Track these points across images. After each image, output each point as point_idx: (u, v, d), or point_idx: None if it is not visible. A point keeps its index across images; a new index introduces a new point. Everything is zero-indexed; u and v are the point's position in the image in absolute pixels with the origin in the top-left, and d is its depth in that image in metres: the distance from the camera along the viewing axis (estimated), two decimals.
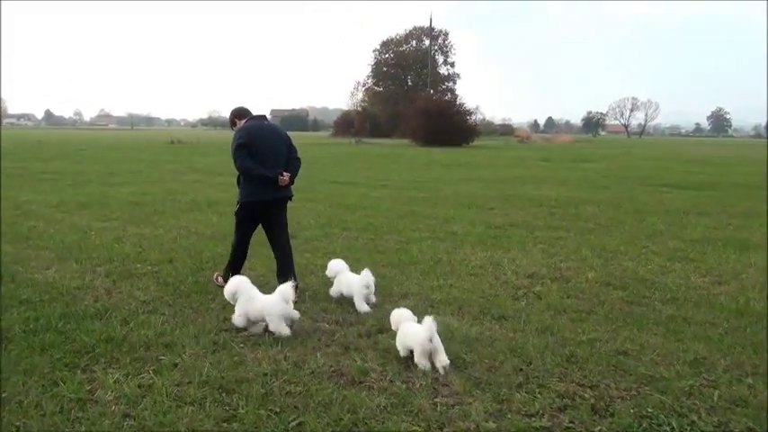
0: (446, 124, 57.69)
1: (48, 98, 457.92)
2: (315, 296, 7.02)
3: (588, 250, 9.73)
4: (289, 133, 7.51)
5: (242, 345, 5.49)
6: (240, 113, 7.30)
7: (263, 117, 7.34)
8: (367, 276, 6.56)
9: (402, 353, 5.20)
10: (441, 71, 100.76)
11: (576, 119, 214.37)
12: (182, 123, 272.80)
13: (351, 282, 6.67)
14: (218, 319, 6.15)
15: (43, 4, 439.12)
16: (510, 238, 10.72)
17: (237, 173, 7.11)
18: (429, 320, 4.95)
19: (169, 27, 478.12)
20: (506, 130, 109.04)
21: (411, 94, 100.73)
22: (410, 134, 62.43)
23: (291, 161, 7.23)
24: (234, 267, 7.22)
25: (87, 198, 15.04)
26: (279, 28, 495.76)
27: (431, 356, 4.97)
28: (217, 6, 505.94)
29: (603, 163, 35.14)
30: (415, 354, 5.04)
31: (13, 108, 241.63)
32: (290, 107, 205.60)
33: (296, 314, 5.81)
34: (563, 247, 10.02)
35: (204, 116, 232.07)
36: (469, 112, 61.42)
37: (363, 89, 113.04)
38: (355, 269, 6.94)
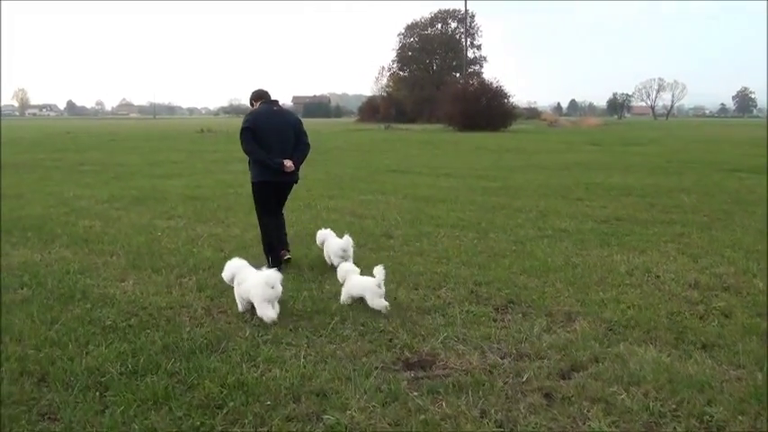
0: (484, 108, 56.01)
1: (70, 88, 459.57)
2: (469, 319, 5.68)
3: (729, 250, 8.38)
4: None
5: (415, 391, 4.18)
6: (258, 96, 7.54)
7: (275, 102, 7.51)
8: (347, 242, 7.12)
9: (347, 301, 5.96)
10: (468, 54, 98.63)
11: (599, 101, 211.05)
12: (203, 112, 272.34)
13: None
14: (364, 351, 4.85)
15: None
16: (629, 235, 9.41)
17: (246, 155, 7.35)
18: (380, 269, 5.79)
19: (189, 15, 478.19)
20: (532, 113, 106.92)
21: (437, 79, 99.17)
22: (446, 119, 60.74)
23: (299, 146, 7.39)
24: (269, 246, 7.38)
25: (139, 192, 13.84)
26: (297, 15, 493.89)
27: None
28: None
29: (653, 147, 33.58)
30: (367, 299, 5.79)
31: (35, 98, 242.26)
32: (311, 94, 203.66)
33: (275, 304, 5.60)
34: (697, 246, 8.69)
35: (225, 104, 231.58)
36: (506, 95, 59.59)
37: (388, 74, 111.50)
38: (487, 276, 6.62)
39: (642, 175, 17.93)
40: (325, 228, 7.72)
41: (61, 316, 5.68)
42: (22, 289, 6.58)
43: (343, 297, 6.04)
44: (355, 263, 7.30)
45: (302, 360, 4.65)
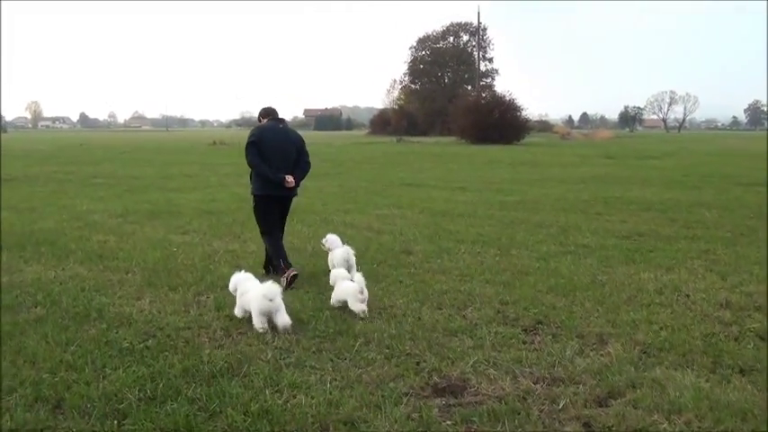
0: (497, 121, 55.84)
1: (83, 101, 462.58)
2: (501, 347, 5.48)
3: (757, 267, 8.15)
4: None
5: (448, 420, 3.99)
6: (266, 113, 7.82)
7: (282, 120, 7.84)
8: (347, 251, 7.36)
9: (336, 304, 6.30)
10: (480, 67, 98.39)
11: (611, 113, 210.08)
12: (215, 124, 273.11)
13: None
14: (391, 376, 4.66)
15: (75, 6, 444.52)
16: (653, 251, 9.19)
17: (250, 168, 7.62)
18: (359, 276, 6.20)
19: (201, 28, 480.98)
20: (543, 126, 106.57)
21: (449, 91, 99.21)
22: (458, 131, 60.62)
23: (300, 164, 7.67)
24: (275, 256, 7.52)
25: (153, 206, 13.72)
26: (307, 27, 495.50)
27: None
28: (246, 6, 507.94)
29: (668, 160, 33.29)
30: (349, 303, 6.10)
31: (48, 111, 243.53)
32: (322, 106, 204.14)
33: (284, 319, 5.69)
34: (724, 263, 8.46)
35: (237, 116, 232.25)
36: (519, 108, 59.40)
37: (400, 87, 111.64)
38: (512, 294, 6.55)
39: (660, 189, 17.70)
40: (332, 234, 7.93)
41: (77, 337, 5.52)
42: (36, 308, 6.44)
43: (333, 300, 6.37)
44: (376, 280, 7.20)
45: (328, 385, 4.46)
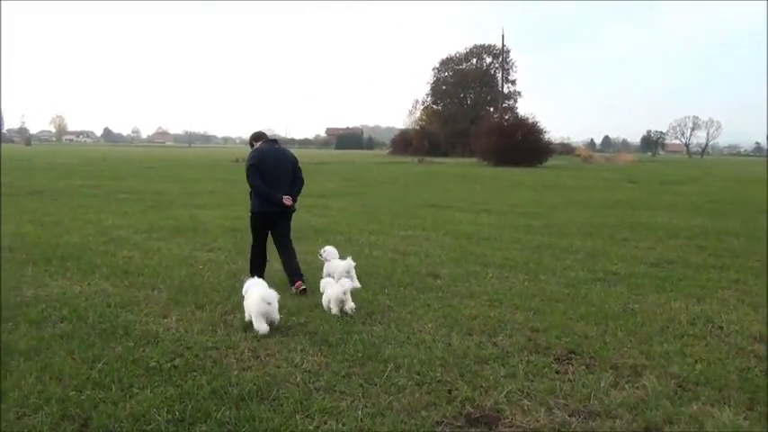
0: (519, 143, 55.76)
1: (107, 115, 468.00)
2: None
3: None
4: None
5: None
6: (257, 137, 8.43)
7: (275, 141, 8.51)
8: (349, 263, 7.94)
9: (326, 306, 6.94)
10: (502, 89, 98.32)
11: (633, 137, 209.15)
12: (237, 141, 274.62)
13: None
14: (422, 404, 4.57)
15: (100, 22, 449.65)
16: (683, 280, 9.01)
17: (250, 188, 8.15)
18: (344, 280, 7.11)
19: (226, 46, 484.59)
20: (565, 149, 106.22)
21: (471, 113, 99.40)
22: (480, 153, 60.63)
23: (296, 180, 8.29)
24: (255, 267, 8.24)
25: (178, 222, 13.75)
26: (331, 48, 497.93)
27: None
28: (270, 26, 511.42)
29: (693, 186, 33.00)
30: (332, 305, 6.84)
31: (72, 125, 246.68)
32: (343, 125, 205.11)
33: (276, 317, 6.26)
34: (755, 294, 8.27)
35: None
36: (542, 131, 59.29)
37: (422, 107, 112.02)
38: (543, 322, 6.49)
39: (686, 216, 17.47)
40: (330, 246, 8.66)
41: (103, 354, 5.49)
42: (62, 323, 6.43)
43: (324, 303, 7.02)
44: (404, 303, 7.14)
45: (359, 412, 4.37)
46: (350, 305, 6.87)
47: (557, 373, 5.30)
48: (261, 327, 6.09)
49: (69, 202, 18.28)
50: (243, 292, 6.65)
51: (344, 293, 6.82)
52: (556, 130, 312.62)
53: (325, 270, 8.05)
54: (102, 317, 6.60)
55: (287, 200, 8.06)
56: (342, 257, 8.29)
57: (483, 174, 41.18)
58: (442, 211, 17.51)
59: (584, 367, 5.44)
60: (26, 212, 15.34)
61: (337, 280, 7.33)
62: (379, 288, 8.03)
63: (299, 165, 8.40)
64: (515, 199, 22.16)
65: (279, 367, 5.25)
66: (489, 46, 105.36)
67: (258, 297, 6.18)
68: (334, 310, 6.78)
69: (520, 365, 5.37)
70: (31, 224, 13.30)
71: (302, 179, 8.41)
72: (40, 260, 9.44)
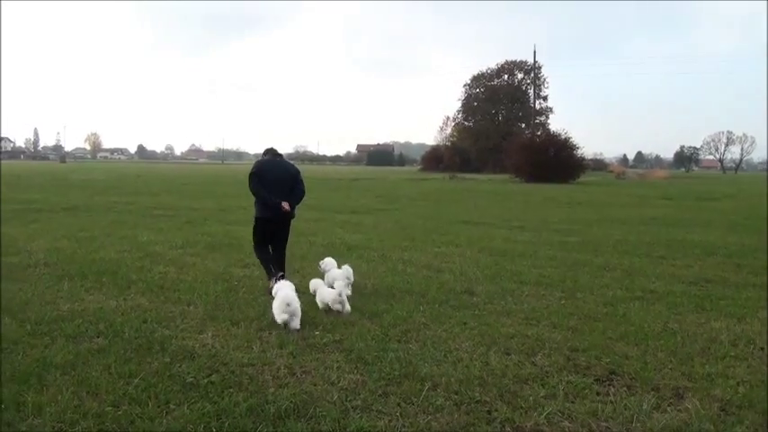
0: (552, 159, 55.44)
1: (141, 133, 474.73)
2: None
3: None
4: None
5: None
6: (266, 152, 9.36)
7: (279, 155, 9.38)
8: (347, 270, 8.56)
9: (321, 306, 7.60)
10: (535, 105, 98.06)
11: (666, 153, 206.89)
12: None
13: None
14: (461, 424, 4.50)
15: (134, 41, 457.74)
16: (723, 299, 8.78)
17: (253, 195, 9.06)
18: (339, 283, 7.68)
19: (256, 64, 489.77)
20: (598, 165, 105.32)
21: (503, 129, 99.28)
22: (513, 169, 60.42)
23: (295, 191, 9.04)
24: (263, 265, 9.10)
25: (213, 238, 13.83)
26: (360, 64, 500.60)
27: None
28: (300, 42, 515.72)
29: (729, 202, 32.43)
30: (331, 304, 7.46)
31: (107, 142, 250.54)
32: (374, 142, 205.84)
33: (296, 321, 6.83)
34: None
35: (291, 150, 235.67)
36: (575, 147, 58.85)
37: (453, 124, 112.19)
38: (582, 341, 6.38)
39: (722, 233, 17.15)
40: (329, 257, 9.17)
41: (140, 369, 5.50)
42: (98, 338, 6.46)
43: (318, 303, 7.68)
44: (439, 321, 7.09)
45: None
46: (347, 308, 7.44)
47: (597, 394, 5.20)
48: (279, 319, 6.83)
49: (104, 218, 18.51)
50: (273, 294, 7.33)
51: (340, 296, 7.43)
52: (589, 145, 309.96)
53: (326, 280, 8.39)
54: (139, 332, 6.62)
55: (285, 205, 8.79)
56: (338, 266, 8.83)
57: (515, 190, 40.99)
58: (474, 228, 17.41)
59: (625, 388, 5.32)
60: (61, 228, 15.54)
61: (339, 288, 7.69)
62: (414, 305, 7.97)
63: (301, 177, 9.18)
64: (549, 215, 21.96)
65: (315, 385, 5.22)
66: (521, 62, 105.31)
67: (280, 300, 6.86)
68: (280, 319, 6.96)
69: (560, 386, 5.28)
70: (66, 239, 13.47)
71: (303, 190, 9.18)
72: (75, 275, 9.54)
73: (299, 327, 6.77)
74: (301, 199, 9.16)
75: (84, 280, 9.23)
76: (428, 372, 5.54)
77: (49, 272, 9.82)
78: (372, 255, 11.72)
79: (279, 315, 6.83)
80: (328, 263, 8.89)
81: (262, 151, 9.51)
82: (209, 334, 6.63)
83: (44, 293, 8.34)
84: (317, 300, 7.69)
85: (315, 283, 8.04)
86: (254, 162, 9.25)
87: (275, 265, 8.89)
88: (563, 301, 8.45)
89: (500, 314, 7.68)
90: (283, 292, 6.98)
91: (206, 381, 5.25)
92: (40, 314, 7.23)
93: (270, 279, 8.62)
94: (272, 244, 9.19)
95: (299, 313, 6.86)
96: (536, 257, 12.15)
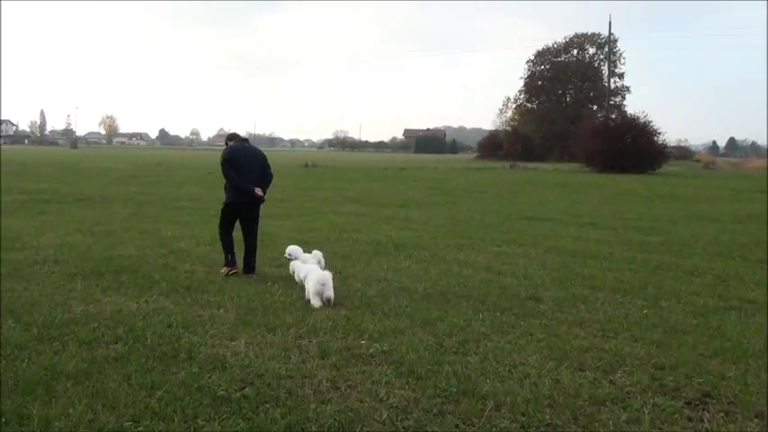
0: (629, 146, 54.67)
1: (163, 116, 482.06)
2: None
3: None
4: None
5: None
6: (232, 137, 10.67)
7: (246, 140, 10.78)
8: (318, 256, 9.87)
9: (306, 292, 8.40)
10: (609, 84, 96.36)
11: (764, 139, 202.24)
12: (305, 144, 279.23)
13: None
14: None
15: (158, 20, 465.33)
16: None
17: (225, 181, 10.25)
18: (327, 273, 8.39)
19: (292, 39, 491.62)
20: (682, 153, 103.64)
21: (571, 112, 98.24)
22: (583, 157, 59.74)
23: (264, 175, 10.39)
24: (226, 248, 10.22)
25: None
26: (405, 42, 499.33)
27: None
28: (340, 18, 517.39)
29: None
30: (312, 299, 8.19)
31: (124, 127, 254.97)
32: (423, 127, 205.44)
33: (330, 294, 8.16)
34: None
35: (330, 136, 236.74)
36: (656, 132, 57.78)
37: (514, 106, 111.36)
38: (669, 358, 6.28)
39: None
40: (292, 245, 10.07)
41: (164, 380, 5.55)
42: (116, 344, 6.54)
43: (300, 283, 8.89)
44: (502, 331, 7.06)
45: None
46: (329, 293, 8.17)
47: (689, 420, 5.08)
48: (315, 302, 8.05)
49: (122, 210, 18.82)
50: (291, 272, 9.29)
51: (323, 284, 8.15)
52: (672, 131, 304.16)
53: (292, 268, 9.47)
54: (162, 338, 6.70)
55: (258, 191, 10.11)
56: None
57: (586, 181, 40.50)
58: (540, 225, 17.30)
59: (722, 414, 5.19)
60: (73, 221, 15.88)
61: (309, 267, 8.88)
62: (473, 313, 7.91)
63: (268, 161, 10.52)
64: (626, 211, 21.70)
65: (362, 401, 5.21)
66: (593, 35, 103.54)
67: (314, 279, 8.17)
68: (316, 303, 8.05)
69: (644, 409, 5.17)
70: (79, 233, 13.75)
71: (271, 174, 10.56)
72: (90, 274, 9.71)
73: (332, 295, 8.14)
74: (270, 183, 10.55)
75: (99, 279, 9.38)
76: (490, 389, 5.49)
77: (59, 270, 10.00)
78: (423, 254, 11.67)
79: (314, 299, 8.09)
80: (294, 250, 9.84)
81: (225, 138, 10.81)
82: (242, 341, 6.67)
83: (54, 294, 8.49)
84: (307, 284, 8.48)
85: (296, 265, 9.30)
86: (224, 149, 10.31)
87: (249, 255, 10.24)
88: (645, 311, 8.32)
89: (571, 324, 7.59)
90: (319, 272, 8.39)
91: (239, 394, 5.27)
92: (49, 317, 7.36)
93: (226, 266, 10.02)
94: (245, 227, 10.38)
95: (332, 293, 8.16)
96: (612, 259, 12.00)
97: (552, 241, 14.04)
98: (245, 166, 10.12)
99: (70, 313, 7.57)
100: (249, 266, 10.18)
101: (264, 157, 10.53)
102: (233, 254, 10.20)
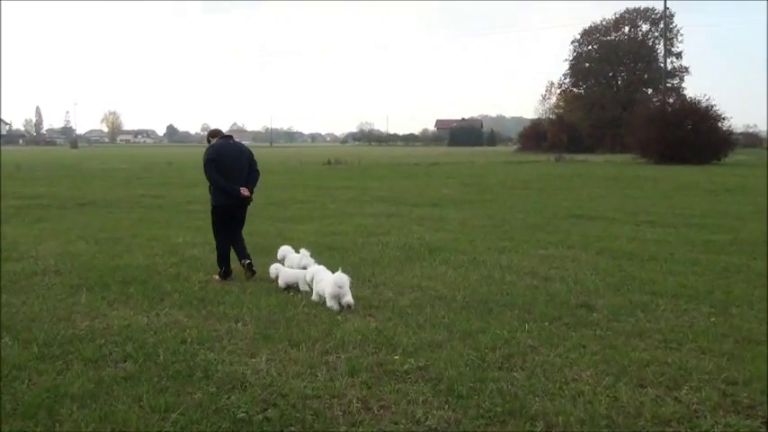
0: (689, 134, 54.17)
1: (171, 111, 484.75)
2: None
3: None
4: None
5: None
6: (214, 134, 10.98)
7: (230, 137, 10.92)
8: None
9: (317, 299, 8.86)
10: (666, 65, 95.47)
11: None
12: (327, 138, 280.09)
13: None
14: None
15: (166, 8, 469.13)
16: None
17: (209, 183, 10.51)
18: (344, 275, 8.54)
19: (312, 32, 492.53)
20: (751, 140, 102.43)
21: (623, 97, 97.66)
22: (637, 147, 59.33)
23: (251, 174, 10.66)
24: (222, 257, 10.56)
25: (263, 239, 14.00)
26: (440, 25, 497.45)
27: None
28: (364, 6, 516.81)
29: None
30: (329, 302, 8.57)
31: (129, 124, 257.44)
32: (458, 116, 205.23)
33: (349, 299, 8.50)
34: None
35: (354, 129, 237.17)
36: (720, 118, 57.15)
37: (559, 91, 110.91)
38: (742, 372, 6.22)
39: None
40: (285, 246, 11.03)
41: (178, 402, 5.62)
42: (125, 362, 6.63)
43: (308, 290, 9.28)
44: (550, 343, 7.06)
45: None
46: (348, 299, 8.50)
47: None
48: (333, 305, 8.47)
49: (129, 215, 19.05)
50: (307, 279, 9.25)
51: (340, 287, 8.43)
52: (738, 116, 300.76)
53: (285, 265, 10.25)
54: (176, 355, 6.78)
55: (244, 191, 10.35)
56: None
57: (641, 174, 40.22)
58: (590, 224, 17.26)
59: None
60: (75, 228, 16.10)
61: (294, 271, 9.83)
62: (518, 323, 7.92)
63: (255, 158, 10.73)
64: (688, 207, 21.54)
65: (396, 423, 5.24)
66: (646, 9, 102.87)
67: (332, 281, 8.51)
68: (334, 306, 8.46)
69: (715, 430, 5.14)
70: (83, 241, 13.92)
71: (258, 171, 10.82)
72: (95, 285, 9.83)
73: (352, 301, 8.49)
74: (257, 181, 10.81)
75: (106, 291, 9.51)
76: (539, 408, 5.50)
77: (61, 281, 10.14)
78: (461, 259, 11.67)
79: (331, 302, 8.49)
80: (284, 250, 10.77)
81: (207, 134, 11.24)
82: (263, 358, 6.72)
83: (55, 308, 8.62)
84: (315, 295, 8.98)
85: (276, 268, 9.94)
86: (208, 148, 10.58)
87: (239, 250, 10.64)
88: (712, 319, 8.26)
89: (629, 335, 7.56)
90: (333, 275, 8.63)
91: (261, 416, 5.32)
92: (50, 333, 7.47)
93: (221, 273, 10.37)
94: (232, 229, 10.73)
95: (350, 298, 8.52)
96: (673, 261, 11.93)
97: (605, 242, 13.99)
98: (231, 165, 10.35)
99: (74, 329, 7.68)
100: (249, 269, 10.45)
101: (251, 154, 10.75)
102: (228, 264, 10.50)
